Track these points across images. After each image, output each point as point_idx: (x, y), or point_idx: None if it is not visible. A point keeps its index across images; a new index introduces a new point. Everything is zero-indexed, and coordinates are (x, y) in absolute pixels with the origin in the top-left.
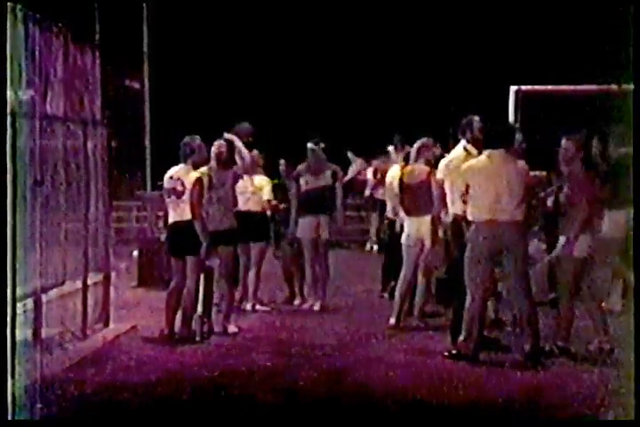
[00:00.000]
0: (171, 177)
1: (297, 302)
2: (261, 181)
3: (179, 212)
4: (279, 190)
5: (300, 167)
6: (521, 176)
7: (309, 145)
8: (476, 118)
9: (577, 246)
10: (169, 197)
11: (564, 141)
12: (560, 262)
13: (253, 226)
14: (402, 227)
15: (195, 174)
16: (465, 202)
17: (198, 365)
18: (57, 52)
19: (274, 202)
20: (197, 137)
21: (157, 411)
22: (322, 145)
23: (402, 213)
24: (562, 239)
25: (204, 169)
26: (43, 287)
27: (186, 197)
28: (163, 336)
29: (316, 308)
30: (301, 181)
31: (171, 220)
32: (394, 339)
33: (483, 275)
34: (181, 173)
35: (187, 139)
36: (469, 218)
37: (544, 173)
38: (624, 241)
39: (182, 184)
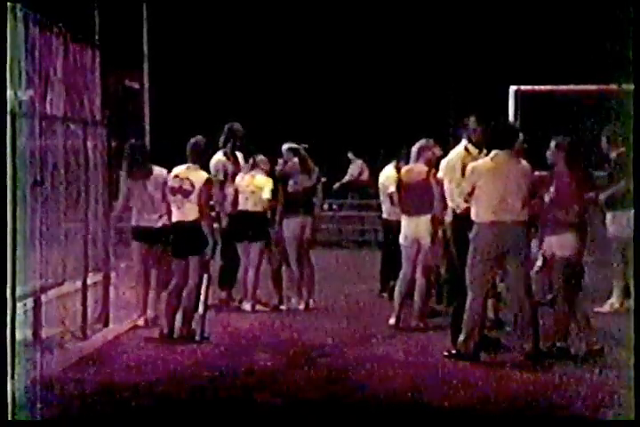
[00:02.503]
0: (176, 176)
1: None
2: (262, 180)
3: (183, 211)
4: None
5: (291, 167)
6: (525, 177)
7: (295, 145)
8: (474, 118)
9: (562, 246)
10: (174, 195)
11: (551, 143)
12: (548, 262)
13: (251, 226)
14: (399, 226)
15: (205, 175)
16: (467, 202)
17: (198, 365)
18: (57, 52)
19: (273, 202)
20: (202, 137)
21: (157, 411)
22: (305, 146)
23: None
24: (547, 239)
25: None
26: (43, 287)
27: (193, 196)
28: (162, 336)
29: (301, 307)
30: (291, 182)
31: (174, 219)
32: (394, 339)
33: (485, 275)
34: (190, 173)
35: (195, 139)
36: (473, 219)
37: (545, 173)
38: (628, 241)
39: (191, 184)
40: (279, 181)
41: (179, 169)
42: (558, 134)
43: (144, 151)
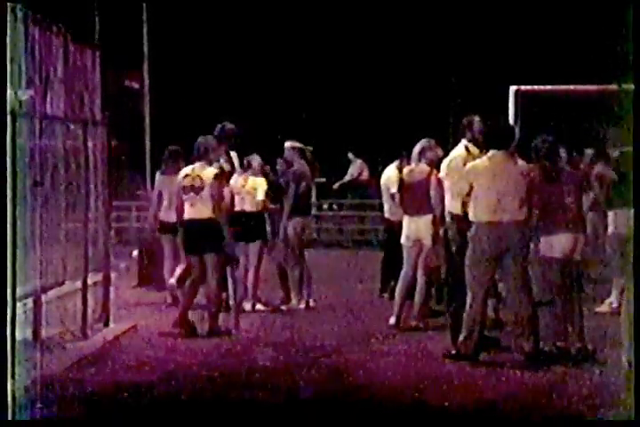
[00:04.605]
0: (187, 175)
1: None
2: (256, 180)
3: (196, 209)
4: (272, 190)
5: (304, 169)
6: (523, 177)
7: (299, 145)
8: (477, 118)
9: (553, 247)
10: (186, 193)
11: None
12: (541, 263)
13: (249, 226)
14: (400, 227)
15: (213, 170)
16: (466, 202)
17: (198, 365)
18: (57, 52)
19: (267, 202)
20: (211, 137)
21: (157, 411)
22: (310, 148)
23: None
24: (542, 240)
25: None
26: (43, 287)
27: (205, 192)
28: (184, 334)
29: (301, 307)
30: (303, 184)
31: (187, 216)
32: (394, 339)
33: (484, 275)
34: (199, 171)
35: (202, 139)
36: (471, 218)
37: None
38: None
39: (201, 180)
40: (291, 182)
41: (189, 168)
42: (557, 134)
43: (178, 154)
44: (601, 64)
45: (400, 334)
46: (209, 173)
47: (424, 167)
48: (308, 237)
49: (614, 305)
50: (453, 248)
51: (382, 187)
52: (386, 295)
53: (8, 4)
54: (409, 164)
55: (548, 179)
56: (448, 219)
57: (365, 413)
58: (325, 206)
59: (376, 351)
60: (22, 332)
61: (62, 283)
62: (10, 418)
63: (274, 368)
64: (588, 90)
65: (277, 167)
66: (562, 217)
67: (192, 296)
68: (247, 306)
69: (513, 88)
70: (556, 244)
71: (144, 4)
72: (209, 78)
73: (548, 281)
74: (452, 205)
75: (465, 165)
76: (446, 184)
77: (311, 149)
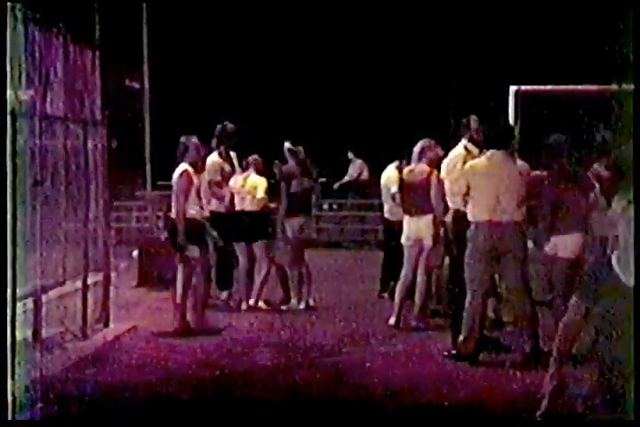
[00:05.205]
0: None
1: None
2: (256, 180)
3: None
4: (272, 190)
5: (292, 168)
6: (522, 176)
7: (292, 147)
8: (474, 118)
9: (564, 247)
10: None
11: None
12: (548, 263)
13: (250, 226)
14: (401, 227)
15: (179, 169)
16: (466, 202)
17: (198, 365)
18: (57, 52)
19: (267, 200)
20: (193, 136)
21: (157, 411)
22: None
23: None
24: (552, 240)
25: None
26: (43, 287)
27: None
28: (178, 332)
29: (301, 307)
30: (294, 183)
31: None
32: (394, 339)
33: (483, 275)
34: (176, 170)
35: (182, 138)
36: (470, 218)
37: (545, 173)
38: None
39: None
40: (282, 181)
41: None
42: (557, 134)
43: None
44: (601, 64)
45: (400, 334)
46: (176, 172)
47: (424, 167)
48: (308, 237)
49: None
50: (453, 248)
51: (382, 187)
52: (386, 295)
53: (8, 3)
54: (409, 164)
55: (564, 178)
56: (448, 219)
57: (365, 413)
58: (325, 206)
59: (376, 351)
60: (22, 332)
61: (62, 283)
62: (10, 418)
63: (274, 368)
64: (588, 90)
65: (275, 170)
66: (574, 217)
67: (182, 295)
68: (250, 302)
69: (513, 88)
70: (568, 244)
71: (144, 4)
72: (209, 78)
73: (552, 281)
74: (452, 203)
75: (464, 164)
76: (446, 184)
77: (301, 149)
